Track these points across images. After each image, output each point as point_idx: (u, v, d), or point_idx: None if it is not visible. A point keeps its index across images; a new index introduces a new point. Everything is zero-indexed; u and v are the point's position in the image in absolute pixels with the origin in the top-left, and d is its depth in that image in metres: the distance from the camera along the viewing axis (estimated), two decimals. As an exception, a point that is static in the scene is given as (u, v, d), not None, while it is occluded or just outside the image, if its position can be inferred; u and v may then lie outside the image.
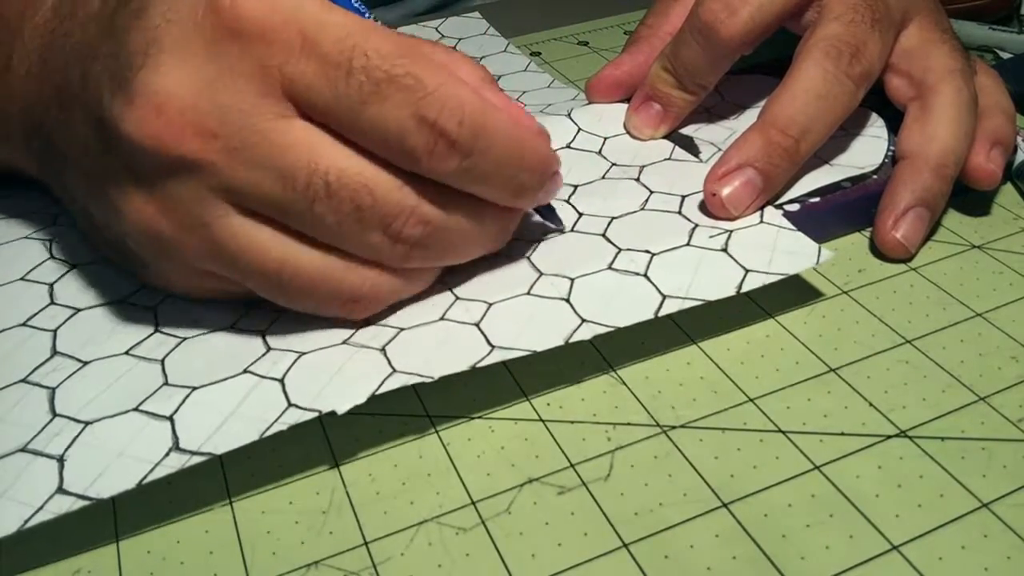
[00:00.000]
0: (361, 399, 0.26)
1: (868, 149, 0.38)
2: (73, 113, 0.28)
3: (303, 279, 0.28)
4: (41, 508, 0.24)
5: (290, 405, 0.27)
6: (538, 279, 0.31)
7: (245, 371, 0.28)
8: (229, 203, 0.26)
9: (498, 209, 0.29)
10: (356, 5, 0.30)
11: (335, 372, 0.28)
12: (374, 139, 0.26)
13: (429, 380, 0.27)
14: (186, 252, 0.27)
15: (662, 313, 0.29)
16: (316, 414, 0.26)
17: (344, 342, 0.29)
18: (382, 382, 0.27)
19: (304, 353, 0.28)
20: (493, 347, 0.28)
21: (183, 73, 0.25)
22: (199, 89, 0.25)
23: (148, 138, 0.25)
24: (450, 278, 0.31)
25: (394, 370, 0.27)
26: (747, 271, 0.31)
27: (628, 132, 0.40)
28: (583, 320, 0.29)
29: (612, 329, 0.29)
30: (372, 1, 0.60)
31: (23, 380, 0.28)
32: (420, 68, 0.25)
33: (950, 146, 0.35)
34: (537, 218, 0.33)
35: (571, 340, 0.28)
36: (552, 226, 0.33)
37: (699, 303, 0.30)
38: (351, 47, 0.25)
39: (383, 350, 0.28)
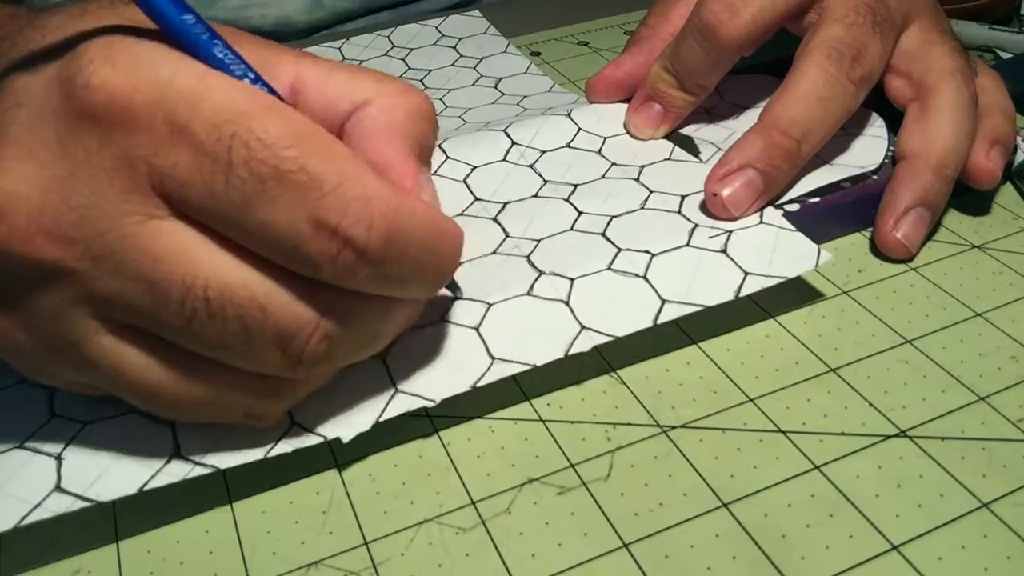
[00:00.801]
0: (366, 427, 0.26)
1: (868, 149, 0.38)
2: None
3: (186, 404, 0.24)
4: (39, 505, 0.24)
5: (294, 423, 0.26)
6: (538, 279, 0.31)
7: None
8: (97, 318, 0.22)
9: (407, 300, 0.25)
10: (237, 70, 0.23)
11: (337, 384, 0.27)
12: (264, 245, 0.22)
13: (432, 404, 0.27)
14: (54, 369, 0.24)
15: (661, 320, 0.29)
16: (321, 439, 0.26)
17: None
18: (386, 405, 0.27)
19: None
20: (494, 359, 0.28)
21: (30, 169, 0.21)
22: (50, 187, 0.21)
23: None
24: None
25: (397, 390, 0.27)
26: (746, 274, 0.31)
27: (628, 132, 0.40)
28: (583, 327, 0.29)
29: (611, 339, 0.29)
30: (382, 5, 0.60)
31: (22, 381, 0.29)
32: (316, 159, 0.21)
33: (950, 146, 0.35)
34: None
35: (571, 352, 0.28)
36: (451, 294, 0.30)
37: (698, 309, 0.30)
38: (230, 134, 0.21)
39: (383, 360, 0.28)
